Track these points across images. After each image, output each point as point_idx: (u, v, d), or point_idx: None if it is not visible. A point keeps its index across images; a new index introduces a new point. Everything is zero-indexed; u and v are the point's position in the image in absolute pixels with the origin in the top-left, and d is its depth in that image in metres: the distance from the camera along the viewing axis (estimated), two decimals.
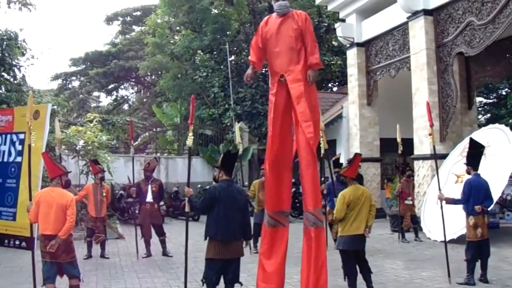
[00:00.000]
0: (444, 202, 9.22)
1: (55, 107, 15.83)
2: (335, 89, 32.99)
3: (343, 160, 17.95)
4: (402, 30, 17.25)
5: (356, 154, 8.93)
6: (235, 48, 29.89)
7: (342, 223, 7.99)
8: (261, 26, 7.57)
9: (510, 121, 27.59)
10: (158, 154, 25.56)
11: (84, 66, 44.06)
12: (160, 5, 31.65)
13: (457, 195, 9.18)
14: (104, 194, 11.94)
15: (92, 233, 11.95)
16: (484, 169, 10.03)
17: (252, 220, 9.71)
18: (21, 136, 11.85)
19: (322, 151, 11.56)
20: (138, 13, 45.27)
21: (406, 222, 14.00)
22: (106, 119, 26.81)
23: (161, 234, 12.16)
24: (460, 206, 9.07)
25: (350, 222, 7.87)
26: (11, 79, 16.20)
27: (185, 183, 7.27)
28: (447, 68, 15.37)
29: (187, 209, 7.24)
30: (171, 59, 30.18)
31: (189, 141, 7.32)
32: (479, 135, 12.93)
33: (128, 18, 46.61)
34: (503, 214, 16.37)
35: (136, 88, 49.37)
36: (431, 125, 9.64)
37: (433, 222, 13.28)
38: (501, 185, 11.63)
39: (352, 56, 20.08)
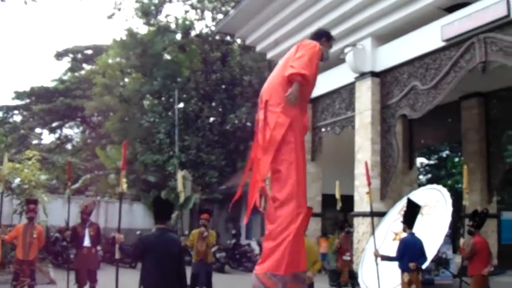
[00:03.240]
0: (379, 259, 9.45)
1: None
2: None
3: None
4: (349, 89, 17.65)
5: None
6: (184, 95, 29.99)
7: None
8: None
9: (449, 182, 28.35)
10: (99, 198, 25.23)
11: (28, 100, 42.61)
12: (113, 46, 31.61)
13: (395, 252, 9.42)
14: (35, 236, 11.48)
15: (18, 277, 11.30)
16: (421, 228, 10.33)
17: (189, 270, 9.65)
18: None
19: None
20: (90, 51, 44.80)
21: (344, 278, 14.12)
22: (46, 157, 26.37)
23: (93, 281, 11.80)
24: (397, 263, 9.31)
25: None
26: None
27: (126, 229, 7.20)
28: (390, 129, 15.76)
29: (117, 256, 7.12)
30: (119, 102, 30.07)
31: (122, 187, 7.28)
32: (418, 195, 13.21)
33: (79, 56, 46.02)
34: (438, 271, 16.72)
35: (81, 128, 48.67)
36: (369, 184, 9.95)
37: (370, 278, 13.43)
38: (436, 244, 11.89)
39: None
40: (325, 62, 6.90)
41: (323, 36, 6.71)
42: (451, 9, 14.17)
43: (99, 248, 13.85)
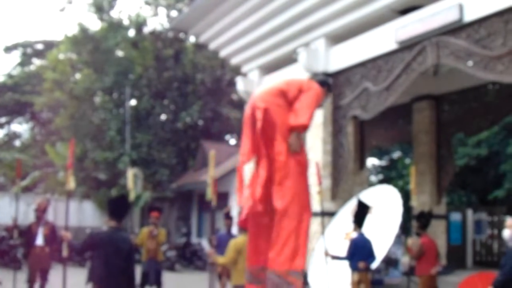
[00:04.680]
0: (329, 258, 9.55)
1: None
2: (231, 141, 33.28)
3: (235, 213, 18.04)
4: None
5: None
6: (136, 93, 29.71)
7: (235, 272, 8.01)
8: None
9: (400, 183, 28.70)
10: (48, 195, 24.80)
11: None
12: (64, 41, 31.12)
13: (345, 251, 9.54)
14: None
15: None
16: (372, 228, 10.44)
17: (140, 268, 9.55)
18: None
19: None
20: (40, 46, 43.92)
21: None
22: None
23: (44, 279, 11.62)
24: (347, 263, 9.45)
25: (243, 272, 7.92)
26: None
27: (75, 227, 7.18)
28: (341, 129, 15.84)
29: (64, 253, 7.06)
30: (70, 98, 29.61)
31: (70, 185, 7.23)
32: (368, 195, 13.34)
33: (29, 50, 45.11)
34: (387, 271, 16.96)
35: (30, 124, 47.70)
36: (319, 184, 10.04)
37: (320, 277, 13.49)
38: (387, 244, 12.03)
39: None
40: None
41: (325, 85, 6.67)
42: (405, 12, 14.31)
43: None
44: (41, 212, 11.72)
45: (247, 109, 6.17)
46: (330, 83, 6.91)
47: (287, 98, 6.10)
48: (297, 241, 5.82)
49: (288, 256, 5.71)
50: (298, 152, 6.06)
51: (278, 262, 5.70)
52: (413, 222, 11.36)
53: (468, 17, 12.16)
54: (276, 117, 5.95)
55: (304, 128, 5.99)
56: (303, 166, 6.13)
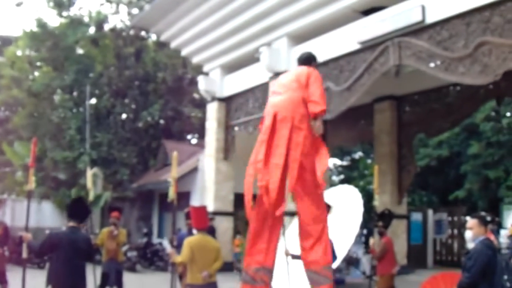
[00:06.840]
0: (290, 257, 9.52)
1: None
2: (193, 141, 33.09)
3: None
4: (262, 88, 17.61)
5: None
6: (96, 91, 29.29)
7: (190, 271, 8.02)
8: None
9: (361, 183, 28.88)
10: (5, 195, 24.34)
11: None
12: (22, 37, 30.50)
13: None
14: None
15: None
16: (333, 228, 10.40)
17: (100, 269, 9.38)
18: None
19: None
20: None
21: None
22: None
23: (4, 281, 11.35)
24: None
25: (197, 271, 7.91)
26: None
27: (34, 228, 7.04)
28: None
29: (24, 255, 6.93)
30: (28, 96, 29.06)
31: (30, 185, 7.11)
32: (330, 195, 13.32)
33: None
34: (349, 270, 17.02)
35: None
36: None
37: (281, 276, 13.44)
38: (348, 244, 12.05)
39: (212, 110, 20.23)
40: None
41: (314, 60, 6.98)
42: (367, 12, 14.36)
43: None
44: None
45: (268, 118, 6.56)
46: (316, 56, 7.11)
47: (301, 85, 6.46)
48: (326, 239, 6.57)
49: (321, 253, 6.42)
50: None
51: (313, 261, 6.39)
52: (377, 222, 11.41)
53: (430, 18, 12.25)
54: (301, 126, 6.39)
55: (325, 112, 6.48)
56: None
